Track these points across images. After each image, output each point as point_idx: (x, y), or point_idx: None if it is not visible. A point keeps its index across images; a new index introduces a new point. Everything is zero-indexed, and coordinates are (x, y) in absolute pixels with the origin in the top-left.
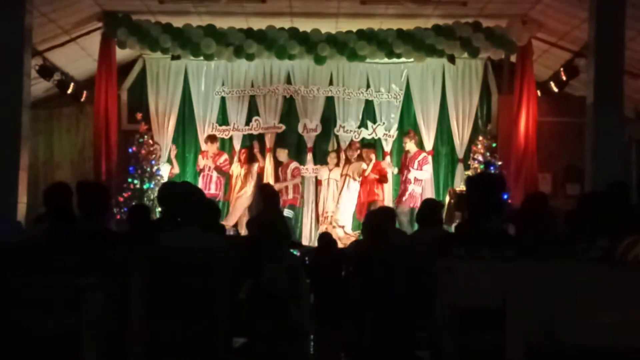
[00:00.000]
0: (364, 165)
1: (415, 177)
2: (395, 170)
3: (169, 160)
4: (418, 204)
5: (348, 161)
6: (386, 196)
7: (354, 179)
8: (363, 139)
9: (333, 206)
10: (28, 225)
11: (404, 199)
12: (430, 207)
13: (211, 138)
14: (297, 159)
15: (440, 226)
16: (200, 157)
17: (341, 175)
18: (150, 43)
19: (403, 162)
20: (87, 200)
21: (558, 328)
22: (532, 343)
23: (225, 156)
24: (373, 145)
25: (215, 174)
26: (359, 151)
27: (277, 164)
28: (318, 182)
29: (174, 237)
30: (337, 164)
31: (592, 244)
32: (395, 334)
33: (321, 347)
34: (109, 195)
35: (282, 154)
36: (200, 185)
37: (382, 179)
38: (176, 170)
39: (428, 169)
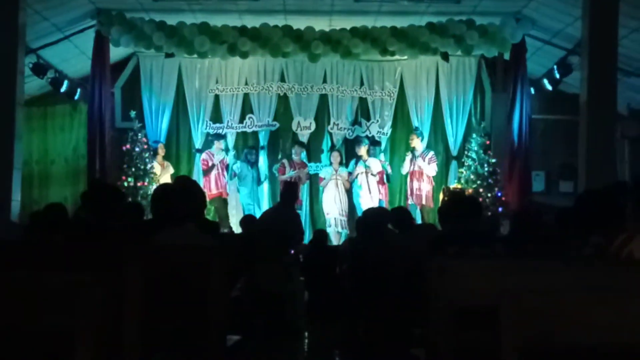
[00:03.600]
0: (376, 162)
1: (426, 175)
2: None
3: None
4: (425, 202)
5: (358, 159)
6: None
7: (373, 175)
8: (367, 135)
9: (342, 206)
10: (22, 223)
11: (412, 197)
12: (404, 213)
13: (220, 136)
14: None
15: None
16: (206, 155)
17: (359, 174)
18: (144, 41)
19: (411, 160)
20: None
21: (552, 326)
22: (526, 341)
23: (225, 155)
24: (379, 142)
25: (214, 174)
26: (367, 147)
27: (273, 159)
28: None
29: (170, 234)
30: (341, 163)
31: (585, 242)
32: (390, 331)
33: (316, 344)
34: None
35: (299, 154)
36: (211, 183)
37: (386, 180)
38: (170, 171)
39: (434, 167)
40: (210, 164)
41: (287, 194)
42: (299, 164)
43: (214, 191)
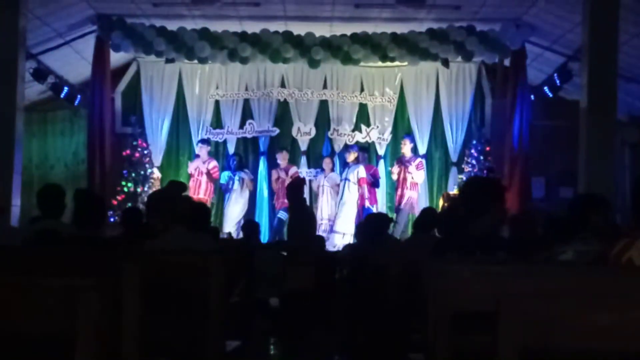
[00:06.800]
0: (362, 168)
1: (411, 182)
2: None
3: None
4: (415, 210)
5: (345, 165)
6: (379, 200)
7: (354, 183)
8: (357, 142)
9: (330, 212)
10: (22, 227)
11: (402, 204)
12: (429, 215)
13: (204, 141)
14: (291, 163)
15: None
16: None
17: (341, 179)
18: (145, 46)
19: (398, 166)
20: (83, 209)
21: (551, 331)
22: (525, 346)
23: (215, 162)
24: (367, 148)
25: (204, 179)
26: (356, 154)
27: (273, 165)
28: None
29: (162, 240)
30: (332, 169)
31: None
32: (389, 336)
33: (315, 348)
34: (104, 205)
35: (284, 157)
36: (190, 189)
37: (375, 184)
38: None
39: (422, 173)
40: (191, 170)
41: (290, 192)
42: (286, 168)
43: (202, 196)
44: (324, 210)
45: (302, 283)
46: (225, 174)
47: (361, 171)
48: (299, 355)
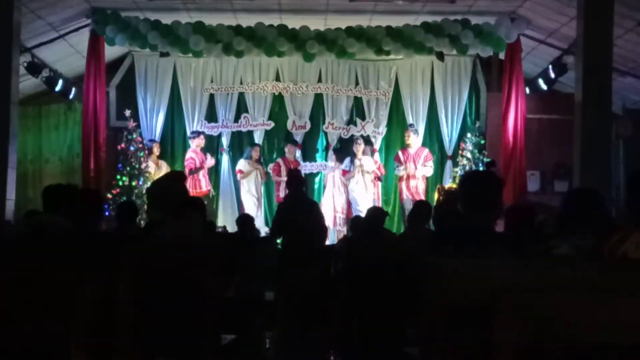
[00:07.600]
0: (371, 161)
1: (422, 175)
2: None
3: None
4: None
5: (354, 157)
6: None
7: (368, 173)
8: (352, 135)
9: (336, 204)
10: (17, 222)
11: (406, 196)
12: (423, 208)
13: (201, 133)
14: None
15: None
16: (194, 154)
17: (356, 172)
18: (139, 40)
19: (405, 158)
20: (77, 204)
21: (546, 325)
22: (520, 340)
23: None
24: (371, 142)
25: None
26: (362, 146)
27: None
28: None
29: (158, 234)
30: (338, 160)
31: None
32: (385, 330)
33: (310, 343)
34: (100, 200)
35: (291, 151)
36: (200, 182)
37: (380, 178)
38: (165, 169)
39: (431, 165)
40: (197, 164)
41: (294, 180)
42: (293, 162)
43: (205, 189)
44: (330, 203)
45: (309, 284)
46: (245, 163)
47: (371, 163)
48: (294, 350)
